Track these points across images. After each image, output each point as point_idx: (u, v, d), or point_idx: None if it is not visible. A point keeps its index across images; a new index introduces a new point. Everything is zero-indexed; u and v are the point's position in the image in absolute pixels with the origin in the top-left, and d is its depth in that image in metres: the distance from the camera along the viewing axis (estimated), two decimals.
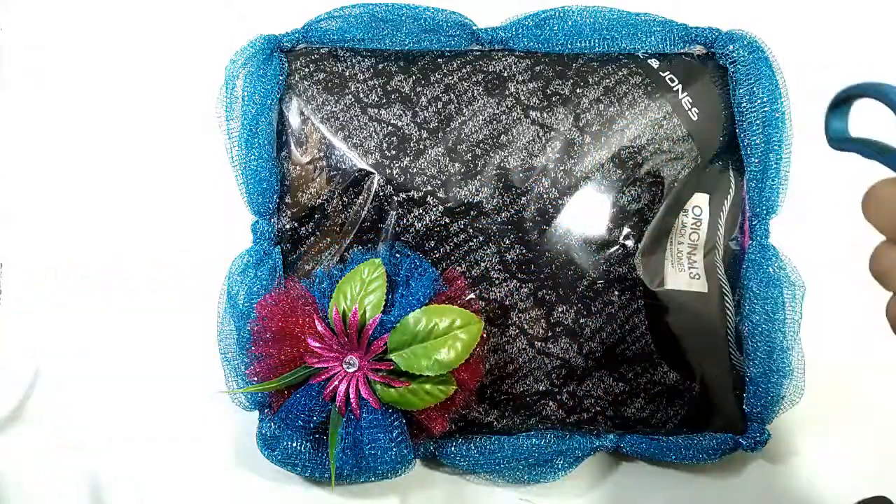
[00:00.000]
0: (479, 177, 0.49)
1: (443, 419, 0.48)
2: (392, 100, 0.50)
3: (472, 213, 0.49)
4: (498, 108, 0.50)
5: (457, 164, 0.49)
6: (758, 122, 0.49)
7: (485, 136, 0.49)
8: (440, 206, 0.48)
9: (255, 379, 0.46)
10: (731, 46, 0.50)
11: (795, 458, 0.54)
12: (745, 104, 0.50)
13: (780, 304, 0.49)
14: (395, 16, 0.52)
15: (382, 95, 0.50)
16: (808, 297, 0.50)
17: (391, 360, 0.45)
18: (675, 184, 0.50)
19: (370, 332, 0.45)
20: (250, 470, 0.52)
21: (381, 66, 0.51)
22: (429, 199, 0.49)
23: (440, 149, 0.49)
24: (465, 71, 0.51)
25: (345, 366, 0.45)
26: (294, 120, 0.50)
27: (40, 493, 0.48)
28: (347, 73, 0.50)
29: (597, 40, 0.52)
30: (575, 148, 0.49)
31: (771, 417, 0.50)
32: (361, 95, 0.50)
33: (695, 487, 0.53)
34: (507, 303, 0.49)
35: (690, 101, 0.50)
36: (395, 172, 0.49)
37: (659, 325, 0.49)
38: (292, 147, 0.50)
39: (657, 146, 0.50)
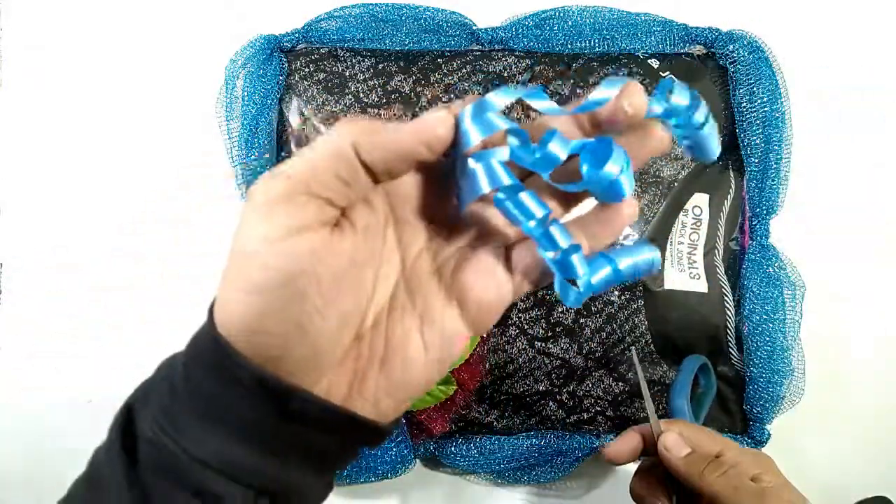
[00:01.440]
0: None
1: (443, 419, 0.48)
2: (392, 100, 0.50)
3: None
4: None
5: None
6: (758, 122, 0.49)
7: None
8: None
9: None
10: (731, 46, 0.50)
11: (795, 458, 0.54)
12: (745, 104, 0.50)
13: (780, 304, 0.49)
14: (395, 16, 0.52)
15: (382, 95, 0.50)
16: (808, 297, 0.50)
17: None
18: (675, 184, 0.50)
19: None
20: None
21: (381, 66, 0.51)
22: None
23: None
24: (465, 71, 0.51)
25: None
26: (294, 120, 0.50)
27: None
28: (347, 74, 0.50)
29: (597, 40, 0.52)
30: None
31: (771, 417, 0.50)
32: (361, 95, 0.50)
33: None
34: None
35: None
36: None
37: (659, 325, 0.49)
38: (292, 147, 0.50)
39: None
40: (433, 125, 0.22)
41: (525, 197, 0.22)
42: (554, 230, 0.23)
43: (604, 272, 0.24)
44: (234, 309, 0.22)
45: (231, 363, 0.22)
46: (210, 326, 0.23)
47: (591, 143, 0.23)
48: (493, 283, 0.26)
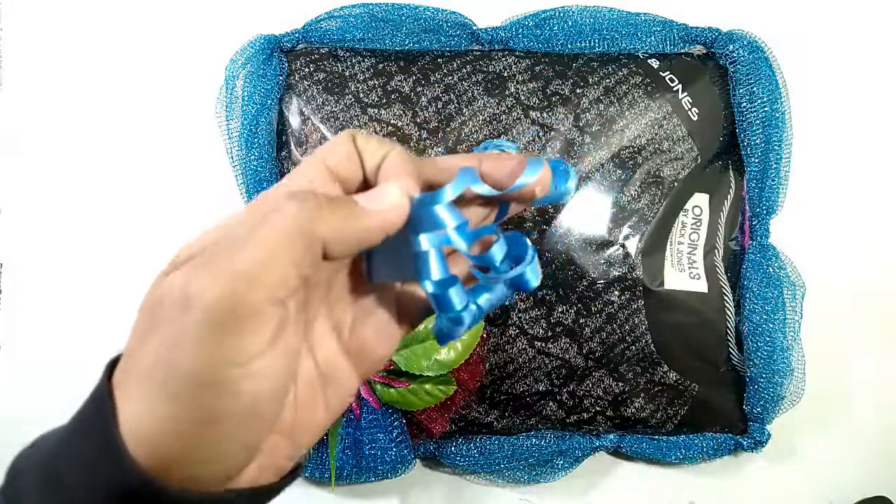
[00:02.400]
0: None
1: (443, 419, 0.48)
2: (392, 100, 0.50)
3: None
4: (498, 108, 0.50)
5: None
6: (758, 122, 0.49)
7: (485, 136, 0.49)
8: None
9: None
10: (731, 46, 0.50)
11: (795, 458, 0.54)
12: (745, 104, 0.50)
13: (780, 304, 0.49)
14: (395, 16, 0.52)
15: (382, 95, 0.50)
16: (808, 297, 0.50)
17: (391, 360, 0.45)
18: (675, 184, 0.50)
19: None
20: None
21: (381, 66, 0.51)
22: None
23: (440, 149, 0.49)
24: (465, 71, 0.51)
25: None
26: (294, 120, 0.50)
27: None
28: (347, 73, 0.50)
29: (597, 40, 0.52)
30: (575, 148, 0.49)
31: (771, 417, 0.50)
32: (361, 95, 0.50)
33: (695, 487, 0.53)
34: (506, 302, 0.49)
35: (690, 101, 0.50)
36: None
37: (659, 325, 0.49)
38: (292, 147, 0.50)
39: (657, 146, 0.50)
40: (396, 216, 0.22)
41: (454, 292, 0.23)
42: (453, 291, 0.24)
43: (472, 310, 0.25)
44: (167, 436, 0.19)
45: (155, 492, 0.19)
46: (117, 449, 0.19)
47: (508, 240, 0.25)
48: (389, 337, 0.25)
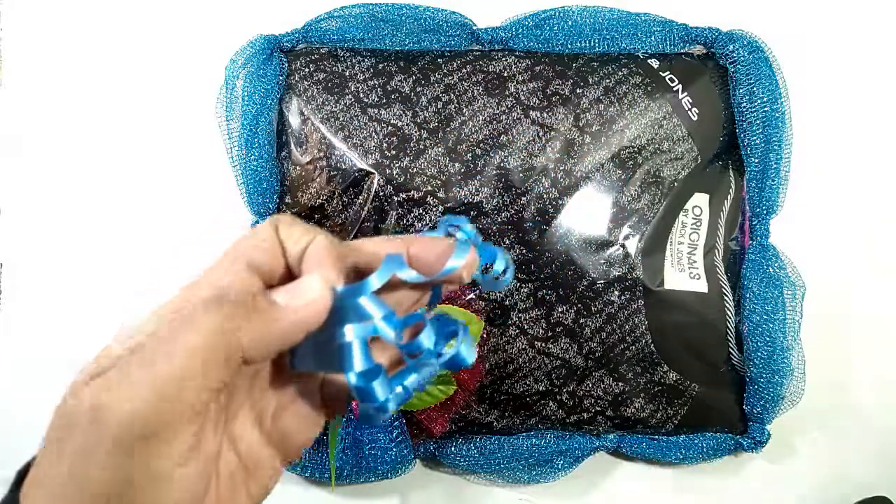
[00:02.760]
0: (479, 177, 0.49)
1: (443, 419, 0.48)
2: (392, 100, 0.50)
3: (471, 213, 0.49)
4: (498, 108, 0.50)
5: (457, 164, 0.49)
6: (758, 122, 0.49)
7: (485, 136, 0.49)
8: (440, 206, 0.49)
9: None
10: (731, 46, 0.50)
11: (795, 458, 0.54)
12: (745, 104, 0.50)
13: (780, 304, 0.49)
14: (395, 16, 0.52)
15: (382, 95, 0.50)
16: (808, 297, 0.50)
17: None
18: (675, 184, 0.50)
19: None
20: None
21: (381, 66, 0.51)
22: (429, 198, 0.49)
23: (440, 149, 0.49)
24: (465, 71, 0.51)
25: None
26: (294, 120, 0.50)
27: None
28: (347, 73, 0.50)
29: (597, 40, 0.52)
30: (575, 148, 0.49)
31: (771, 417, 0.50)
32: (361, 95, 0.50)
33: (695, 487, 0.53)
34: (507, 303, 0.49)
35: (690, 101, 0.50)
36: (395, 172, 0.49)
37: (659, 325, 0.49)
38: (292, 147, 0.50)
39: (657, 146, 0.50)
40: (315, 313, 0.22)
41: (377, 383, 0.23)
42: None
43: (399, 393, 0.24)
44: None
45: None
46: None
47: (437, 323, 0.25)
48: (312, 424, 0.25)
